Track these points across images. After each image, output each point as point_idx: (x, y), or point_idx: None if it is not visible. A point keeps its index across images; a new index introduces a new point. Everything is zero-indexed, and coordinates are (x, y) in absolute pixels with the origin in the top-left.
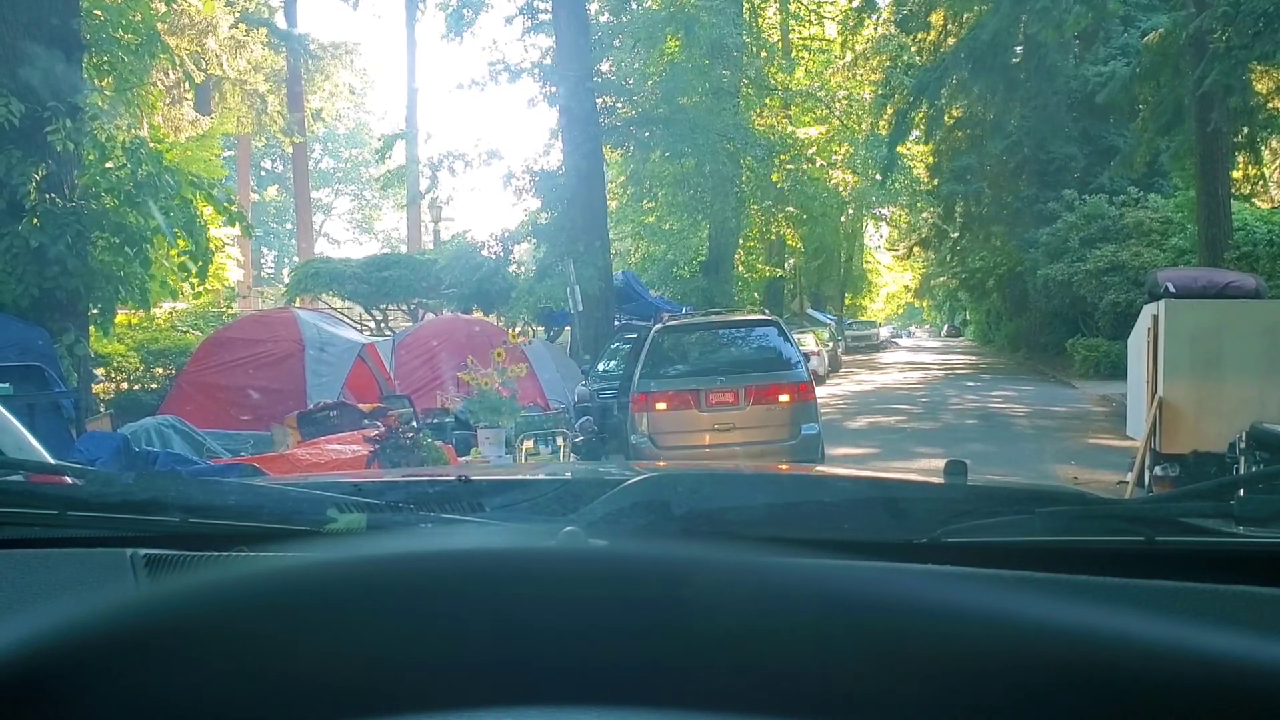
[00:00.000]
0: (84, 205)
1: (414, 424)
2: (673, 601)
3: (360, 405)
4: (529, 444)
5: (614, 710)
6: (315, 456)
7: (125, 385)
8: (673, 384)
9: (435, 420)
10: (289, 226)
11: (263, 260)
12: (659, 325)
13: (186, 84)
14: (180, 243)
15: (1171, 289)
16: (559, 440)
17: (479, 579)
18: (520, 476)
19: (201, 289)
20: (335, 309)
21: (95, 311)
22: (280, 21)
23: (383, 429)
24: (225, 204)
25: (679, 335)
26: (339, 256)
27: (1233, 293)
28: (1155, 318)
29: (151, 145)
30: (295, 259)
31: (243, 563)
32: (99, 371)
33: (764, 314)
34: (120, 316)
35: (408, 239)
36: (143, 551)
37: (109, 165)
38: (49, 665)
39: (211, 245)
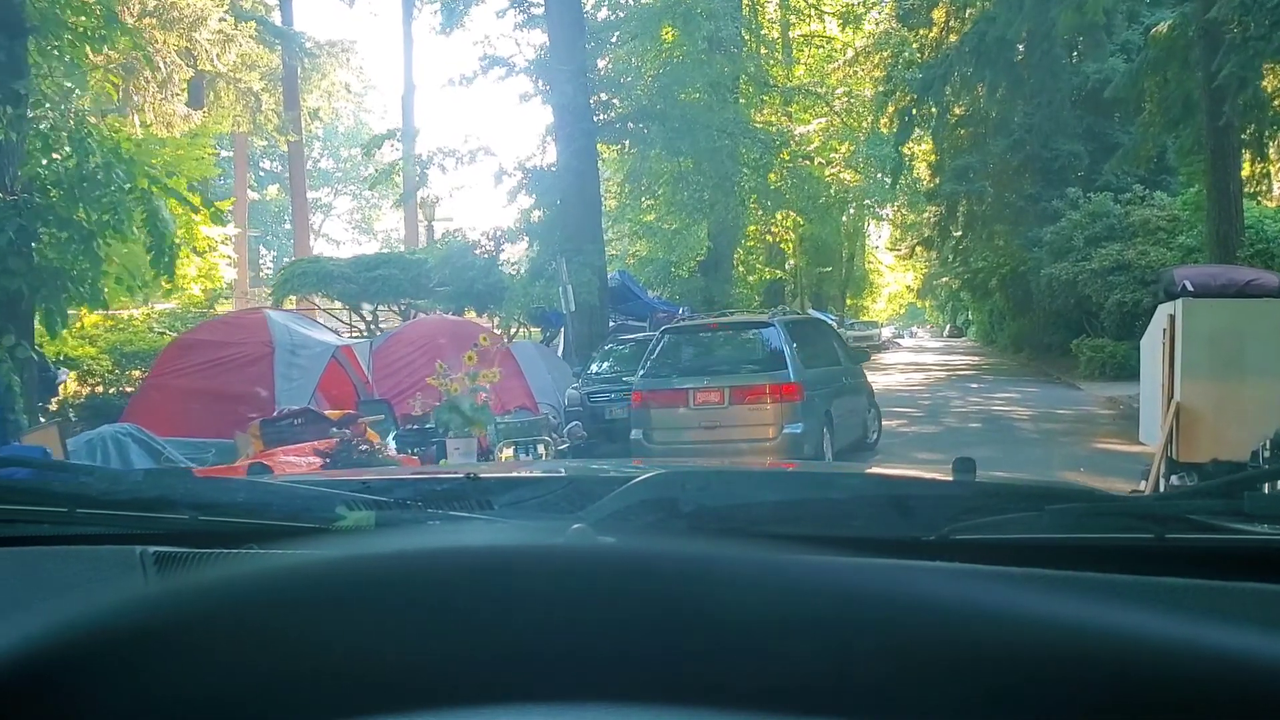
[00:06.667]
0: (27, 199)
1: (361, 442)
2: (681, 598)
3: (327, 412)
4: (508, 452)
5: (622, 707)
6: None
7: (100, 389)
8: (666, 383)
9: (415, 426)
10: (288, 226)
11: (261, 260)
12: (665, 326)
13: (176, 79)
14: (136, 237)
15: (1189, 287)
16: (540, 449)
17: (488, 576)
18: (528, 474)
19: (170, 286)
20: (325, 310)
21: (73, 310)
22: (277, 21)
23: (334, 441)
24: (188, 195)
25: (683, 336)
26: (340, 256)
27: (1254, 291)
28: (1171, 318)
29: (111, 135)
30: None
31: (252, 560)
32: (71, 375)
33: (797, 313)
34: (94, 318)
35: (405, 238)
36: (152, 549)
37: (56, 157)
38: (61, 661)
39: (206, 244)
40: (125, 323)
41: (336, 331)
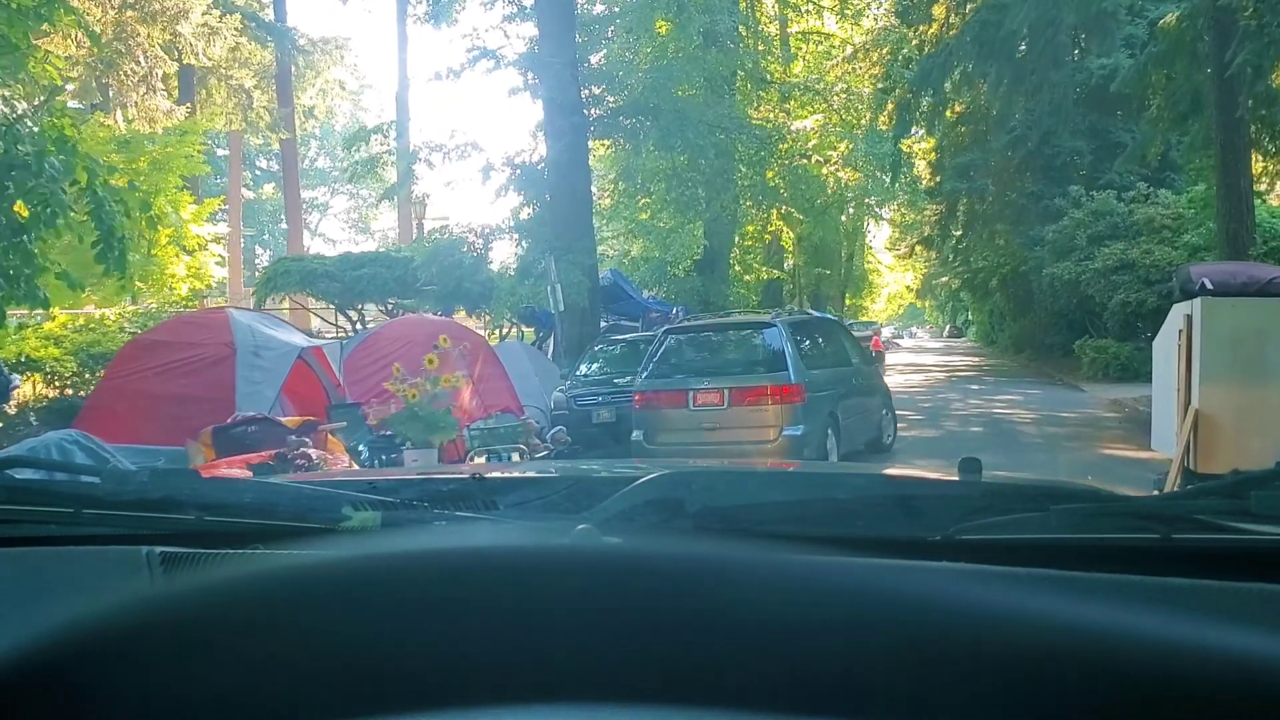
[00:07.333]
0: None
1: (298, 455)
2: (685, 598)
3: (285, 420)
4: (481, 460)
5: (627, 707)
6: None
7: (69, 391)
8: (667, 384)
9: (389, 433)
10: (284, 225)
11: (256, 259)
12: (669, 326)
13: (158, 74)
14: (74, 231)
15: (1208, 285)
16: (515, 457)
17: (493, 576)
18: (533, 474)
19: (122, 283)
20: (311, 310)
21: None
22: (270, 18)
23: (270, 454)
24: (133, 192)
25: (685, 336)
26: (326, 255)
27: (1278, 289)
28: (1189, 318)
29: (54, 123)
30: None
31: (258, 560)
32: (35, 377)
33: (808, 313)
34: (63, 317)
35: (399, 237)
36: (158, 549)
37: None
38: (69, 661)
39: (196, 242)
40: (97, 322)
41: (320, 333)
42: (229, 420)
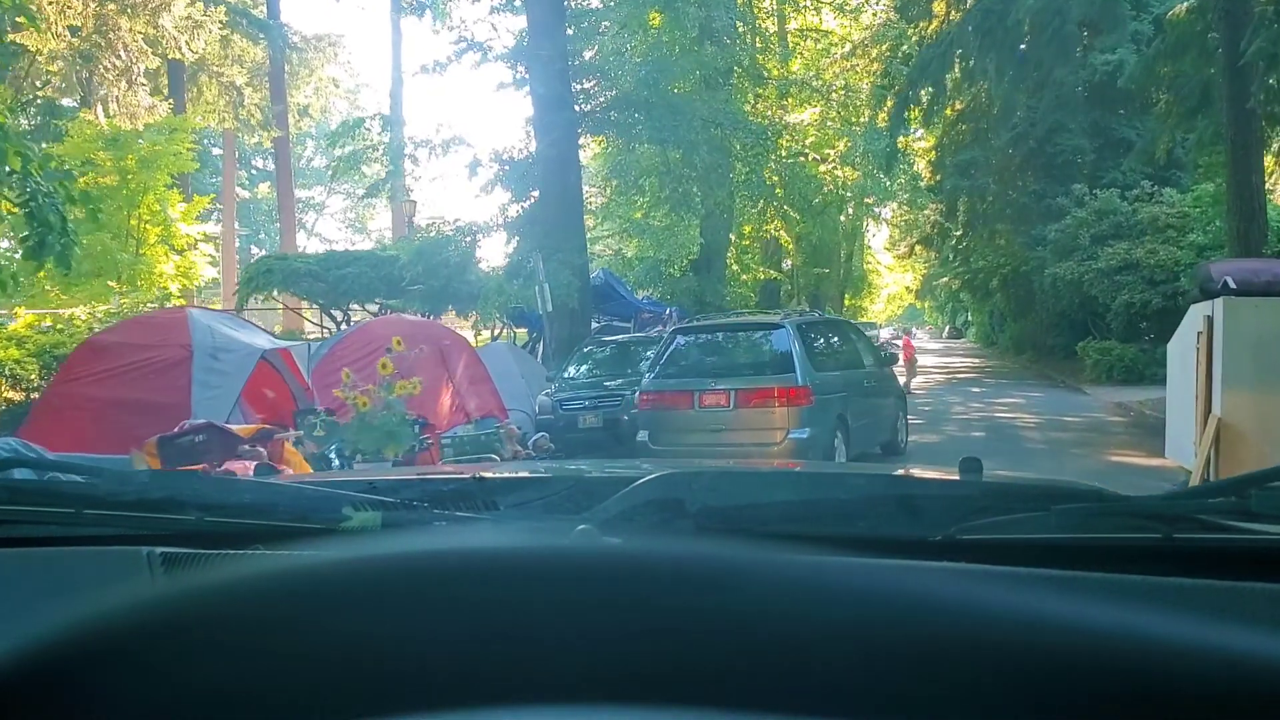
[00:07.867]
0: None
1: (212, 469)
2: (686, 599)
3: (239, 428)
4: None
5: (627, 708)
6: None
7: (35, 395)
8: (672, 385)
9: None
10: (279, 225)
11: (252, 259)
12: (675, 326)
13: (141, 68)
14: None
15: (1231, 284)
16: None
17: (493, 577)
18: (534, 475)
19: (68, 278)
20: (295, 311)
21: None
22: (263, 16)
23: (202, 468)
24: (66, 180)
25: (693, 337)
26: (311, 253)
27: None
28: (1209, 319)
29: None
30: None
31: (258, 560)
32: None
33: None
34: (30, 317)
35: (394, 237)
36: (159, 550)
37: None
38: (69, 662)
39: (186, 241)
40: (65, 322)
41: (308, 335)
42: (176, 429)
